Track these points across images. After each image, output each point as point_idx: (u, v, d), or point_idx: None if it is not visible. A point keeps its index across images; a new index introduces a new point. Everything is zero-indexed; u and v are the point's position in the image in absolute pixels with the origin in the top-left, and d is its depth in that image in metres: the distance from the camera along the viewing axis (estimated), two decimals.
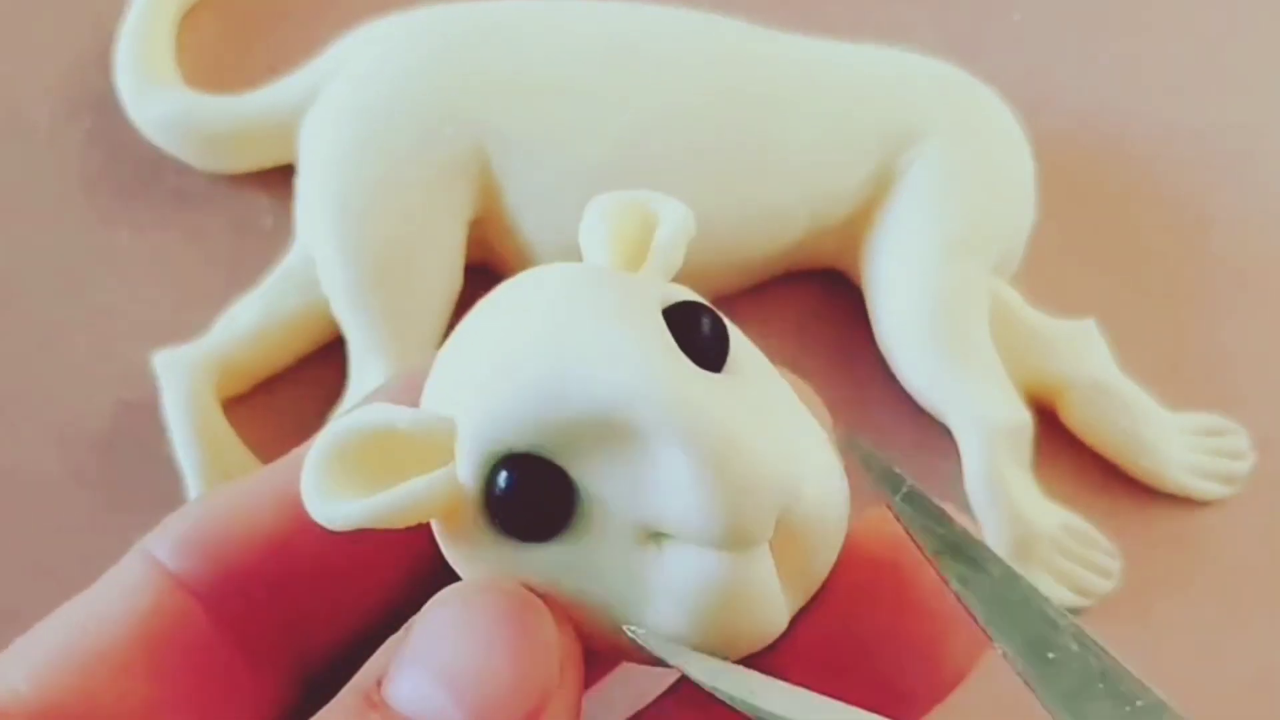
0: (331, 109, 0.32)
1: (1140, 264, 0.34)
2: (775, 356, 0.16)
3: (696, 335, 0.14)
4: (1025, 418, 0.30)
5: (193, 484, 0.29)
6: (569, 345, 0.14)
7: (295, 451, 0.18)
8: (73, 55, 0.35)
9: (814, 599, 0.16)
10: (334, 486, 0.14)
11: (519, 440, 0.14)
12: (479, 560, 0.15)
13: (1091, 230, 0.34)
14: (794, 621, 0.15)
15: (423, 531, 0.15)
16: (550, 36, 0.32)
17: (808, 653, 0.16)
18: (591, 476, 0.14)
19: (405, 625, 0.15)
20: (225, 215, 0.33)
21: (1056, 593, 0.29)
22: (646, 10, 0.33)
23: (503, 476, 0.14)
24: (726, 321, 0.15)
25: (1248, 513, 0.31)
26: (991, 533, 0.29)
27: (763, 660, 0.15)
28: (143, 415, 0.30)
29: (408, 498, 0.14)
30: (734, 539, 0.14)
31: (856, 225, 0.32)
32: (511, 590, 0.14)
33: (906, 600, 0.16)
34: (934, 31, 0.36)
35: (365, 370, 0.30)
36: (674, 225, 0.16)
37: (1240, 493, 0.31)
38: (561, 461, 0.14)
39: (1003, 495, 0.29)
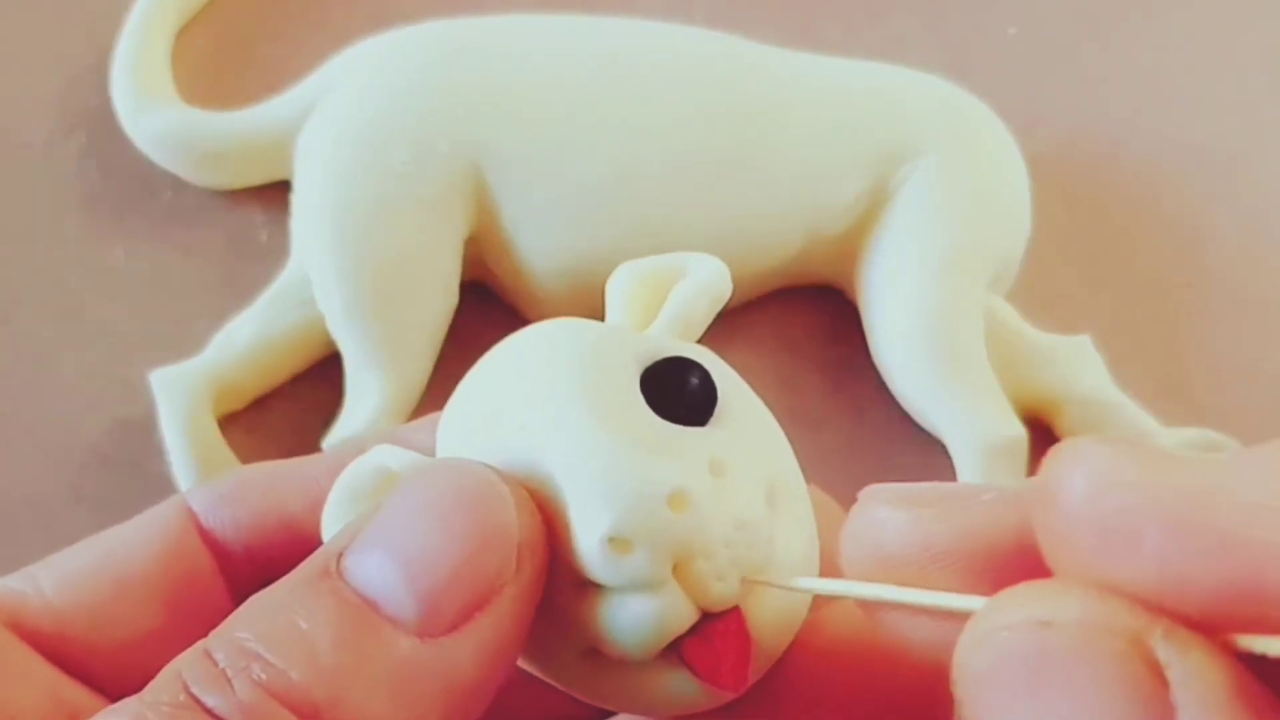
0: (327, 125, 0.32)
1: (1135, 280, 0.34)
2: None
3: (679, 390, 0.15)
4: (1020, 433, 0.30)
5: None
6: (527, 411, 0.15)
7: (326, 454, 0.19)
8: (68, 71, 0.35)
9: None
10: (348, 514, 0.16)
11: None
12: None
13: (1087, 246, 0.34)
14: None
15: None
16: (545, 53, 0.32)
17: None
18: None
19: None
20: (221, 231, 0.33)
21: None
22: (641, 26, 0.33)
23: None
24: (720, 379, 0.16)
25: None
26: None
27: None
28: (139, 433, 0.30)
29: None
30: (637, 582, 0.14)
31: (852, 241, 0.32)
32: (474, 472, 0.15)
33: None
34: (929, 47, 0.36)
35: (361, 386, 0.30)
36: (694, 281, 0.16)
37: None
38: None
39: None
